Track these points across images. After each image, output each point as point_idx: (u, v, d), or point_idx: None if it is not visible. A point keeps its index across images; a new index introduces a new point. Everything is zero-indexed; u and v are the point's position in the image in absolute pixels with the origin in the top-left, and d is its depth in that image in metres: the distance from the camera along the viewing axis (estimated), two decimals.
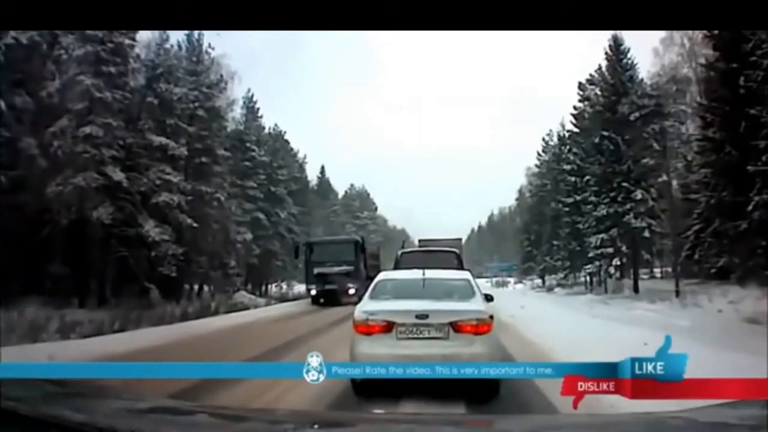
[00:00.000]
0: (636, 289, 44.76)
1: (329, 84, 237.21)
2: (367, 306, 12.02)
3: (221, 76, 50.79)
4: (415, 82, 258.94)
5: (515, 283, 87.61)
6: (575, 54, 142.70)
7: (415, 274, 13.35)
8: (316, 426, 4.25)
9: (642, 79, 48.03)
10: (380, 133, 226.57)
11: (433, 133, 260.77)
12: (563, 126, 68.29)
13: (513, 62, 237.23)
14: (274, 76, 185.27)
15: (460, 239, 54.72)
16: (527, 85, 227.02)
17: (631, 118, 44.12)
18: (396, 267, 25.75)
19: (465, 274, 14.36)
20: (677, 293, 38.08)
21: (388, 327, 11.25)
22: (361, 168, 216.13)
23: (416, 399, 10.12)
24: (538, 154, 78.59)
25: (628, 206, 43.81)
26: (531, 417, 7.27)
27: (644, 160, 43.84)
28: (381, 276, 14.42)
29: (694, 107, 43.38)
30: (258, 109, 73.00)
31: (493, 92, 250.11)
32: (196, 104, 47.30)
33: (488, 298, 12.83)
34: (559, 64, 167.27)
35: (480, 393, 10.49)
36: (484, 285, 50.39)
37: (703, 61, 43.04)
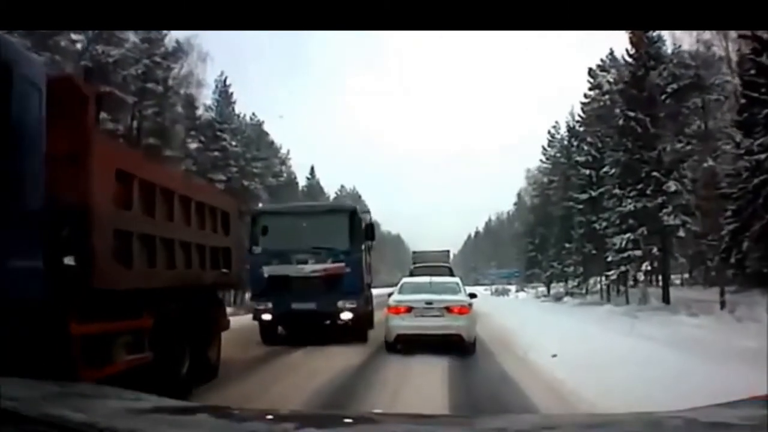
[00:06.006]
0: (666, 300, 38.31)
1: (323, 81, 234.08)
2: (397, 297, 20.77)
3: (177, 43, 44.17)
4: (412, 83, 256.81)
5: (517, 291, 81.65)
6: (575, 54, 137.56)
7: (425, 279, 23.16)
8: (316, 426, 3.59)
9: (680, 47, 42.04)
10: (374, 134, 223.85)
11: (430, 137, 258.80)
12: (573, 116, 64.15)
13: (512, 63, 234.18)
14: (266, 71, 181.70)
15: (448, 251, 61.10)
16: (527, 87, 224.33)
17: (668, 90, 38.19)
18: (411, 274, 33.61)
19: (455, 279, 24.34)
20: (722, 304, 32.34)
21: (409, 309, 19.83)
22: (353, 170, 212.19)
23: (427, 352, 18.60)
24: (544, 148, 75.29)
25: (659, 200, 37.14)
26: (530, 416, 7.04)
27: (679, 145, 37.39)
28: (404, 280, 24.15)
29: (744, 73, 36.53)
30: (231, 93, 67.19)
31: (491, 95, 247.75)
32: (145, 73, 41.07)
33: (472, 295, 21.92)
34: (559, 64, 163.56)
35: (462, 350, 19.09)
36: (482, 293, 49.66)
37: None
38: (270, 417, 3.96)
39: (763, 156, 30.68)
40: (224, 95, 65.59)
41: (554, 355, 17.07)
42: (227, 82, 66.12)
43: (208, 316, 15.54)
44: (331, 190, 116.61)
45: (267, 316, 22.63)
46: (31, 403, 2.90)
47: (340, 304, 22.13)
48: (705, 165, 35.85)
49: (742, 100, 36.09)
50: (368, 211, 27.30)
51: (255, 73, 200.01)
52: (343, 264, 22.33)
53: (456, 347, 19.00)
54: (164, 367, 11.87)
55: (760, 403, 3.11)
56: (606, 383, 12.44)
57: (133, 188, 10.84)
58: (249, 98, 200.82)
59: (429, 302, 19.75)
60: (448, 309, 19.56)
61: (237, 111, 69.54)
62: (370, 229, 24.85)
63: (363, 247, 24.06)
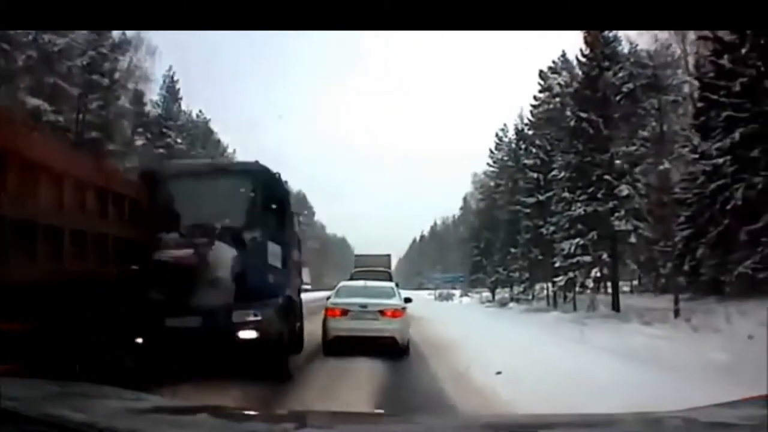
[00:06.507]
0: (616, 307, 37.60)
1: (274, 83, 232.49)
2: (334, 300, 21.46)
3: (124, 35, 43.33)
4: (366, 85, 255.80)
5: (461, 296, 79.86)
6: (527, 58, 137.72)
7: (361, 283, 24.38)
8: (316, 426, 3.86)
9: (637, 46, 41.25)
10: (322, 136, 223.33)
11: (378, 139, 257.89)
12: (521, 118, 63.67)
13: (466, 65, 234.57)
14: (222, 69, 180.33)
15: (389, 255, 60.06)
16: (477, 92, 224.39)
17: (624, 89, 37.42)
18: (351, 278, 33.86)
19: (391, 284, 25.37)
20: (676, 312, 31.34)
21: (345, 312, 20.41)
22: (299, 171, 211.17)
23: (364, 355, 18.93)
24: (491, 151, 74.80)
25: (610, 205, 36.39)
26: (529, 416, 6.82)
27: (632, 148, 36.50)
28: (341, 284, 25.13)
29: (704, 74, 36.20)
30: (179, 90, 66.47)
31: (441, 99, 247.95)
32: (90, 65, 41.31)
33: (407, 300, 22.71)
34: (513, 68, 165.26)
35: (397, 352, 19.72)
36: (426, 297, 53.98)
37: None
38: (270, 417, 4.16)
39: (721, 160, 30.38)
40: (171, 91, 65.04)
41: (498, 372, 15.28)
42: (174, 78, 65.69)
43: (111, 318, 12.46)
44: None
45: (138, 338, 14.09)
46: (31, 403, 2.91)
47: (236, 316, 14.20)
48: (660, 168, 35.18)
49: (699, 104, 36.05)
50: (280, 179, 17.39)
51: (210, 72, 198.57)
52: (210, 248, 14.06)
53: (391, 349, 19.74)
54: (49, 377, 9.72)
55: (760, 403, 3.11)
56: (560, 408, 10.11)
57: (7, 164, 9.02)
58: (203, 96, 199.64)
59: (364, 305, 20.56)
60: (382, 312, 20.38)
61: (184, 108, 69.19)
62: (283, 202, 16.87)
63: (275, 228, 16.07)
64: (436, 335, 26.92)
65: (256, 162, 16.38)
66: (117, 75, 45.04)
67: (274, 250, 15.90)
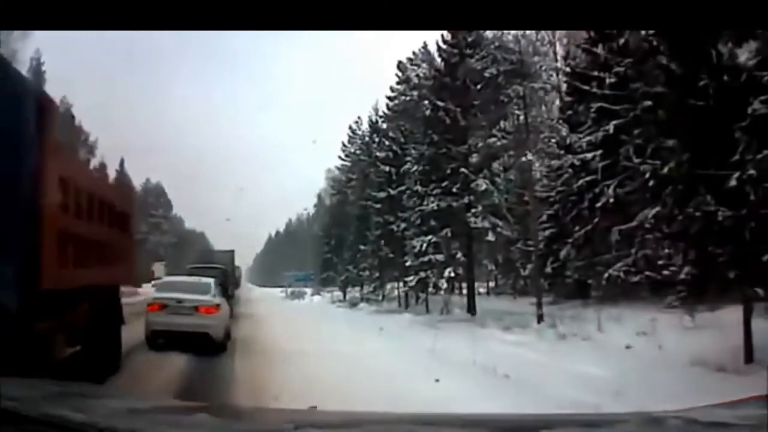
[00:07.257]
0: (472, 310, 35.52)
1: (137, 73, 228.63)
2: (155, 295, 22.53)
3: None
4: (224, 79, 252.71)
5: (312, 294, 78.73)
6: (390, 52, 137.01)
7: (180, 278, 26.38)
8: (315, 425, 3.57)
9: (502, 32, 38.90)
10: (184, 129, 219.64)
11: (239, 134, 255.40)
12: (376, 110, 62.43)
13: (328, 61, 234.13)
14: (81, 55, 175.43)
15: (233, 251, 60.86)
16: (336, 86, 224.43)
17: (486, 74, 35.48)
18: (189, 274, 33.21)
19: (209, 281, 24.25)
20: (540, 318, 29.26)
21: (163, 306, 21.06)
22: (161, 165, 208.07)
23: (183, 350, 19.42)
24: (344, 145, 74.57)
25: (466, 200, 34.63)
26: (528, 415, 5.83)
27: (492, 139, 34.63)
28: (163, 279, 28.83)
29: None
30: (44, 72, 64.82)
31: (300, 93, 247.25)
32: None
33: (229, 297, 28.02)
34: (377, 62, 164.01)
35: (213, 348, 20.38)
36: (278, 295, 48.35)
37: None
38: (270, 417, 4.29)
39: (590, 155, 28.83)
40: (37, 74, 61.85)
41: (313, 407, 12.07)
42: (42, 60, 64.61)
43: None
44: (137, 183, 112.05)
45: None
46: (31, 403, 2.92)
47: None
48: (523, 159, 33.23)
49: (567, 98, 34.99)
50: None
51: (77, 62, 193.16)
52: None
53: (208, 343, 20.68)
54: None
55: (760, 403, 3.05)
56: None
57: None
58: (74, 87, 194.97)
59: (180, 301, 21.23)
60: (197, 308, 21.06)
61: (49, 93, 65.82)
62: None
63: None
64: (267, 341, 25.16)
65: None
66: None
67: None
